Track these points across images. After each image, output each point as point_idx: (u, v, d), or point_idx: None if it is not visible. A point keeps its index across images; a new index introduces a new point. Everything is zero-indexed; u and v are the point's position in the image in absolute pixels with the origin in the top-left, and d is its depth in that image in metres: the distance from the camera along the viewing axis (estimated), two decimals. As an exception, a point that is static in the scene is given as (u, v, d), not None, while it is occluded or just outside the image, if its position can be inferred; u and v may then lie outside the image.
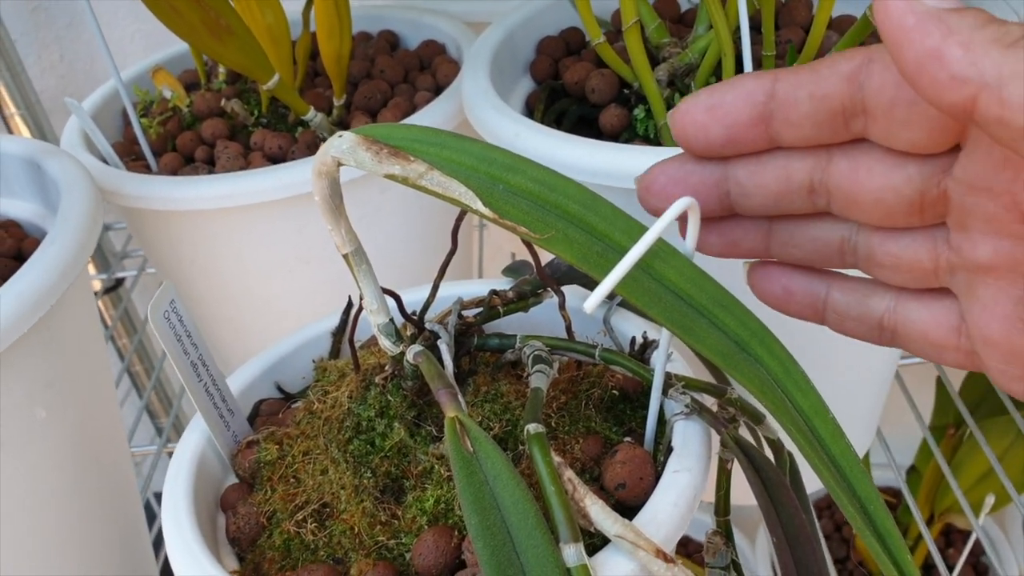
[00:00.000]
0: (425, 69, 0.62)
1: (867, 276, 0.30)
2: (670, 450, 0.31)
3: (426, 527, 0.30)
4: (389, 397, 0.33)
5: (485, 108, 0.46)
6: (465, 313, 0.36)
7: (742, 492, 0.33)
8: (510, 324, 0.37)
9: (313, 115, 0.54)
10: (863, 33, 0.44)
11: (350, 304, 0.40)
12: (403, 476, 0.32)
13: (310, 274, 0.52)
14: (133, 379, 0.95)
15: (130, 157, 0.57)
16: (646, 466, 0.30)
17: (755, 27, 0.49)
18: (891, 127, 0.26)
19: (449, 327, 0.33)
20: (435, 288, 0.35)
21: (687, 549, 1.01)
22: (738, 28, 0.41)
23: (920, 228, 0.28)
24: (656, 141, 0.46)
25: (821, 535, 1.00)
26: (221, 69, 0.61)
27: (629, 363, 0.33)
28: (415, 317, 0.34)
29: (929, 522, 0.93)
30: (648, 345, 0.35)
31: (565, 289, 0.36)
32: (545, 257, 0.38)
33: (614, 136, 0.48)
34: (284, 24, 0.54)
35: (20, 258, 0.45)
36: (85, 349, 0.44)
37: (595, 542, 0.28)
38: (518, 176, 0.27)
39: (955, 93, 0.22)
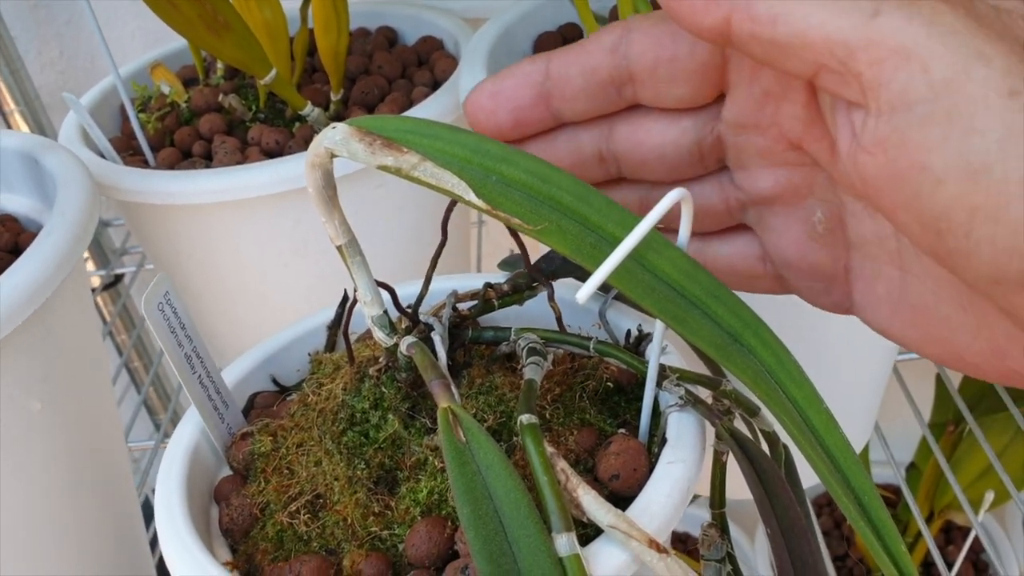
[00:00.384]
0: (423, 65, 0.62)
1: None
2: (664, 442, 0.31)
3: (419, 518, 0.30)
4: (383, 389, 0.33)
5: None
6: (460, 306, 0.36)
7: (741, 488, 0.33)
8: (506, 317, 0.37)
9: (310, 110, 0.55)
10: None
11: (345, 297, 0.40)
12: (397, 467, 0.32)
13: (306, 268, 0.52)
14: (131, 375, 0.95)
15: (128, 152, 0.57)
16: (640, 457, 0.30)
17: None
18: (658, 87, 0.28)
19: (443, 319, 0.33)
20: (428, 280, 0.35)
21: (686, 546, 1.01)
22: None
23: (706, 175, 0.30)
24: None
25: (820, 532, 1.00)
26: (219, 65, 0.61)
27: (623, 355, 0.33)
28: (409, 310, 0.34)
29: (928, 519, 0.93)
30: (643, 338, 0.35)
31: (560, 282, 0.36)
32: (541, 251, 0.38)
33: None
34: (281, 19, 0.54)
35: (16, 252, 0.45)
36: (81, 343, 0.44)
37: (588, 532, 0.28)
38: (511, 168, 0.27)
39: (710, 16, 0.24)
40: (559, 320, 0.35)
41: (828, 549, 1.01)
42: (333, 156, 0.27)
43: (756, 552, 0.98)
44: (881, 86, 0.23)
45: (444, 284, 0.38)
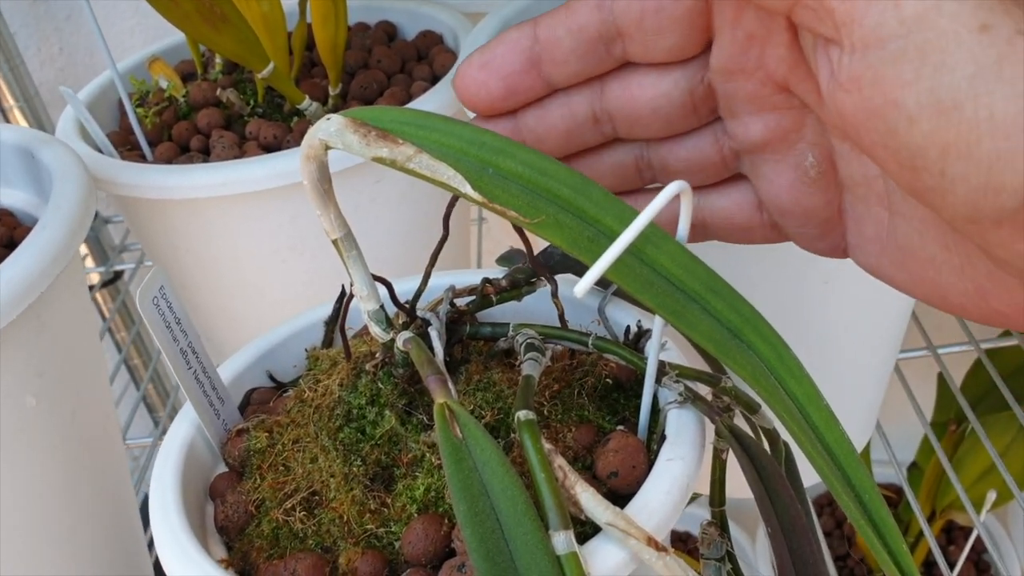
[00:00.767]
0: (422, 59, 0.62)
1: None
2: (663, 439, 0.30)
3: (416, 515, 0.30)
4: (380, 385, 0.33)
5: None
6: (458, 301, 0.35)
7: (741, 486, 0.33)
8: (504, 313, 0.37)
9: (308, 104, 0.54)
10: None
11: (343, 293, 0.39)
12: (393, 464, 0.32)
13: (304, 263, 0.52)
14: (131, 372, 0.95)
15: (126, 147, 0.57)
16: (639, 454, 0.30)
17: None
18: (646, 40, 0.29)
19: (440, 315, 0.33)
20: (427, 275, 0.34)
21: (686, 545, 1.01)
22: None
23: (700, 128, 0.31)
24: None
25: (821, 531, 0.99)
26: (217, 59, 0.61)
27: (623, 351, 0.32)
28: (406, 305, 0.33)
29: (930, 519, 0.92)
30: (642, 334, 0.35)
31: (558, 278, 0.36)
32: (540, 245, 0.38)
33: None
34: (279, 13, 0.54)
35: (12, 247, 0.44)
36: (77, 339, 0.43)
37: (586, 530, 0.28)
38: (508, 160, 0.27)
39: None
40: (561, 317, 0.35)
41: (829, 549, 1.00)
42: (328, 148, 0.27)
43: (757, 552, 0.98)
44: (854, 22, 0.23)
45: (442, 279, 0.37)
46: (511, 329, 0.34)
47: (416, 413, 0.32)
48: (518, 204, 0.26)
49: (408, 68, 0.60)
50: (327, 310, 0.39)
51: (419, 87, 0.57)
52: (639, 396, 0.32)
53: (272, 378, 0.39)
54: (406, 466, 0.31)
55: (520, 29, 0.30)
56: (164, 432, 0.75)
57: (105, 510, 0.47)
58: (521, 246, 0.36)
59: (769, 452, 0.32)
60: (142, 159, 0.55)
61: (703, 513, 0.96)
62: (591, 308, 0.37)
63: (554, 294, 0.35)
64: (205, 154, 0.55)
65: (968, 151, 0.22)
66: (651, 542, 0.26)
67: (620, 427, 0.32)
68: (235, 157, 0.52)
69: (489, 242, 0.82)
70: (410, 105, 0.52)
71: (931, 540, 0.62)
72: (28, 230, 0.45)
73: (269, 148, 0.53)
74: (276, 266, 0.52)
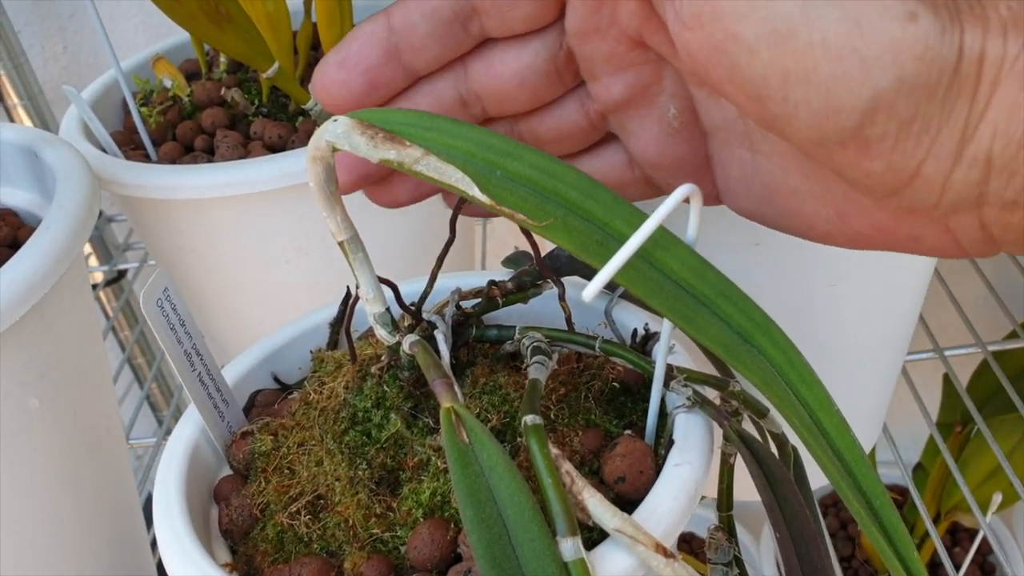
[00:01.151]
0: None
1: None
2: (671, 443, 0.30)
3: (422, 520, 0.30)
4: (385, 388, 0.32)
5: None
6: (464, 304, 0.35)
7: (746, 488, 0.33)
8: (509, 315, 0.37)
9: (313, 104, 0.54)
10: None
11: (348, 294, 0.39)
12: (399, 468, 0.31)
13: (309, 264, 0.52)
14: (135, 371, 0.95)
15: (129, 146, 0.56)
16: (646, 459, 0.30)
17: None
18: (502, 11, 0.29)
19: (446, 317, 0.33)
20: (433, 278, 0.34)
21: (690, 546, 1.01)
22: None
23: (565, 95, 0.31)
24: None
25: (827, 533, 0.99)
26: (222, 59, 0.61)
27: (630, 355, 0.32)
28: (412, 307, 0.33)
29: (935, 520, 0.92)
30: (649, 337, 0.35)
31: (565, 280, 0.36)
32: (546, 248, 0.38)
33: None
34: (284, 12, 0.53)
35: (15, 247, 0.44)
36: (81, 340, 0.43)
37: (593, 536, 0.27)
38: (516, 162, 0.27)
39: None
40: (568, 320, 0.35)
41: (834, 550, 1.00)
42: (335, 150, 0.27)
43: (761, 553, 0.98)
44: None
45: (447, 281, 0.37)
46: (517, 332, 0.34)
47: (422, 416, 0.32)
48: (526, 207, 0.26)
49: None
50: (332, 311, 0.39)
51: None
52: (646, 400, 0.32)
53: (277, 380, 0.38)
54: (412, 470, 0.31)
55: (374, 21, 0.29)
56: (168, 432, 0.75)
57: (108, 511, 0.47)
58: (526, 247, 0.36)
59: (777, 456, 0.32)
60: (146, 159, 0.55)
61: (707, 514, 0.96)
62: (597, 310, 0.37)
63: (561, 297, 0.35)
64: (209, 154, 0.54)
65: (806, 76, 0.23)
66: (659, 548, 0.26)
67: (627, 431, 0.31)
68: (240, 157, 0.52)
69: (494, 242, 0.82)
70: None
71: (937, 542, 0.62)
72: (31, 230, 0.45)
73: (274, 148, 0.53)
74: (281, 267, 0.52)
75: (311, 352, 0.39)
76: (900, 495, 1.02)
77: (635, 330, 0.35)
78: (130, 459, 0.52)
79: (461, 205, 0.33)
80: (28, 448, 0.40)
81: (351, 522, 0.30)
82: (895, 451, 0.66)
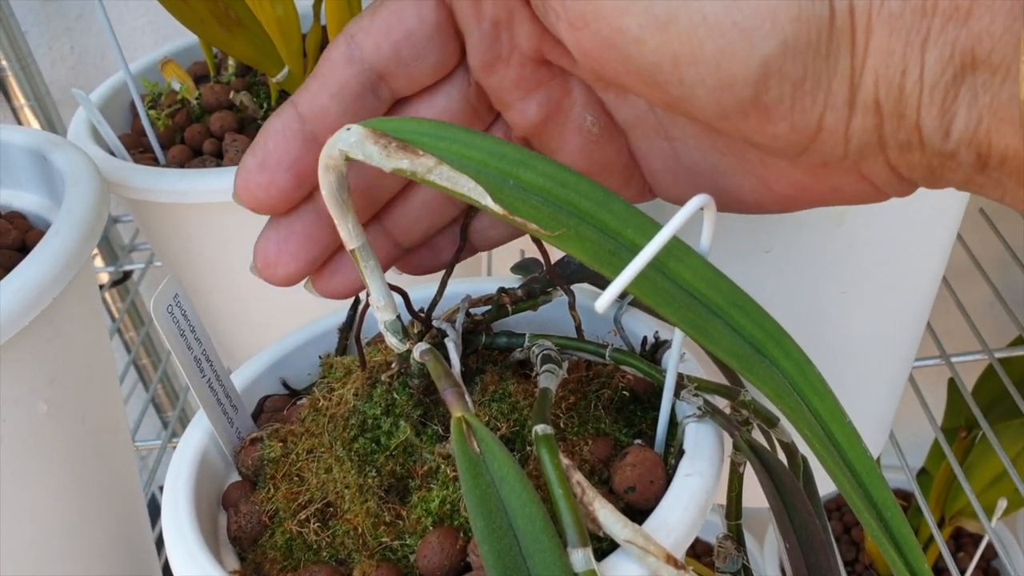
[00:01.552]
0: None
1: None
2: (681, 453, 0.30)
3: (431, 528, 0.30)
4: (395, 395, 0.32)
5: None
6: (473, 311, 0.35)
7: (751, 494, 0.33)
8: (519, 322, 0.37)
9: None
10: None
11: (357, 300, 0.39)
12: (408, 476, 0.31)
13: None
14: (140, 372, 0.95)
15: (138, 149, 0.56)
16: (657, 469, 0.30)
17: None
18: (409, 69, 0.29)
19: (457, 325, 0.33)
20: (443, 285, 0.34)
21: (695, 550, 1.01)
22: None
23: (489, 129, 0.32)
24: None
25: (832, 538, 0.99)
26: (231, 62, 0.61)
27: (640, 364, 0.32)
28: (422, 314, 0.33)
29: (939, 525, 0.92)
30: (660, 345, 0.35)
31: (575, 288, 0.36)
32: (555, 255, 0.38)
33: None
34: (294, 16, 0.53)
35: (24, 250, 0.44)
36: (88, 344, 0.43)
37: (603, 547, 0.27)
38: (529, 172, 0.27)
39: None
40: (578, 329, 0.35)
41: (839, 554, 1.00)
42: (347, 159, 0.27)
43: (765, 557, 0.98)
44: None
45: (457, 288, 0.37)
46: (527, 340, 0.34)
47: (431, 424, 0.32)
48: (539, 216, 0.26)
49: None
50: (341, 317, 0.39)
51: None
52: (656, 408, 0.32)
53: (286, 385, 0.38)
54: (421, 478, 0.31)
55: (279, 116, 0.29)
56: (173, 434, 0.75)
57: (114, 513, 0.47)
58: (535, 252, 0.36)
59: (787, 466, 0.32)
60: (154, 162, 0.55)
61: (713, 519, 0.96)
62: (607, 318, 0.37)
63: (571, 305, 0.35)
64: (218, 157, 0.54)
65: (695, 56, 0.24)
66: (670, 559, 0.26)
67: (637, 441, 0.31)
68: (248, 160, 0.52)
69: (501, 247, 0.82)
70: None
71: (942, 546, 0.61)
72: (40, 233, 0.45)
73: (282, 151, 0.53)
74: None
75: (320, 358, 0.39)
76: (904, 500, 1.02)
77: (645, 338, 0.35)
78: (136, 462, 0.52)
79: (472, 214, 0.33)
80: (36, 452, 0.40)
81: (360, 530, 0.30)
82: (900, 456, 0.66)
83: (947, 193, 0.39)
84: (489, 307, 0.35)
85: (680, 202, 0.31)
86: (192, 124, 0.57)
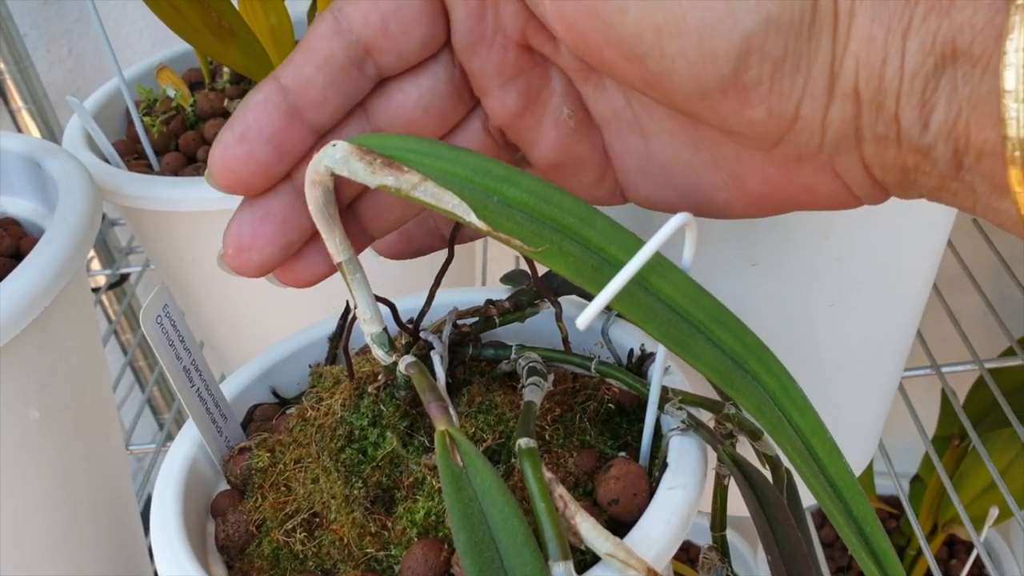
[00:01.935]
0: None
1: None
2: (665, 466, 0.30)
3: (416, 539, 0.30)
4: (382, 406, 0.33)
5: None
6: (461, 322, 0.35)
7: (743, 503, 0.33)
8: (507, 332, 0.37)
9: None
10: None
11: (347, 310, 0.39)
12: (394, 486, 0.32)
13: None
14: (136, 374, 0.95)
15: (132, 156, 0.57)
16: (640, 482, 0.30)
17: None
18: (396, 43, 0.28)
19: (444, 337, 0.33)
20: (431, 296, 0.34)
21: (688, 555, 1.01)
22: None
23: (467, 118, 0.31)
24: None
25: (821, 545, 0.99)
26: (225, 69, 0.61)
27: (625, 376, 0.32)
28: (410, 325, 0.33)
29: (933, 532, 0.92)
30: (646, 358, 0.35)
31: (562, 300, 0.36)
32: (543, 267, 0.38)
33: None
34: (288, 25, 0.54)
35: (18, 257, 0.44)
36: (82, 351, 0.44)
37: (586, 559, 0.28)
38: (513, 188, 0.27)
39: None
40: (565, 340, 0.35)
41: (831, 561, 1.00)
42: (333, 174, 0.27)
43: (759, 563, 0.98)
44: None
45: (445, 299, 0.37)
46: (514, 351, 0.34)
47: (417, 435, 0.32)
48: (522, 232, 0.26)
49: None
50: (331, 326, 0.39)
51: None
52: (641, 420, 0.32)
53: (276, 394, 0.39)
54: (407, 489, 0.31)
55: (262, 89, 0.28)
56: (169, 436, 0.75)
57: (106, 518, 0.47)
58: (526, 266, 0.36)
59: (771, 479, 0.32)
60: (148, 169, 0.55)
61: (701, 521, 0.96)
62: (594, 329, 0.37)
63: (558, 318, 0.35)
64: (211, 164, 0.55)
65: (677, 27, 0.24)
66: (651, 573, 0.26)
67: (622, 453, 0.32)
68: (241, 168, 0.52)
69: (494, 249, 0.82)
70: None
71: (930, 558, 0.62)
72: (34, 240, 0.45)
73: (275, 159, 0.53)
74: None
75: (310, 367, 0.39)
76: (896, 508, 1.02)
77: (631, 351, 0.35)
78: (130, 464, 0.52)
79: (459, 227, 0.33)
80: (27, 459, 0.40)
81: (346, 540, 0.31)
82: (889, 465, 0.66)
83: (935, 206, 0.40)
84: (477, 319, 0.36)
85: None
86: (187, 131, 0.57)
